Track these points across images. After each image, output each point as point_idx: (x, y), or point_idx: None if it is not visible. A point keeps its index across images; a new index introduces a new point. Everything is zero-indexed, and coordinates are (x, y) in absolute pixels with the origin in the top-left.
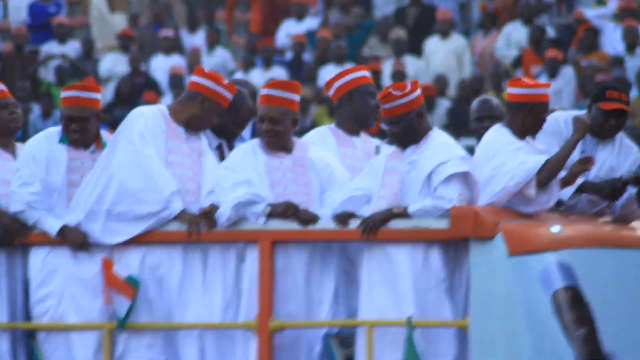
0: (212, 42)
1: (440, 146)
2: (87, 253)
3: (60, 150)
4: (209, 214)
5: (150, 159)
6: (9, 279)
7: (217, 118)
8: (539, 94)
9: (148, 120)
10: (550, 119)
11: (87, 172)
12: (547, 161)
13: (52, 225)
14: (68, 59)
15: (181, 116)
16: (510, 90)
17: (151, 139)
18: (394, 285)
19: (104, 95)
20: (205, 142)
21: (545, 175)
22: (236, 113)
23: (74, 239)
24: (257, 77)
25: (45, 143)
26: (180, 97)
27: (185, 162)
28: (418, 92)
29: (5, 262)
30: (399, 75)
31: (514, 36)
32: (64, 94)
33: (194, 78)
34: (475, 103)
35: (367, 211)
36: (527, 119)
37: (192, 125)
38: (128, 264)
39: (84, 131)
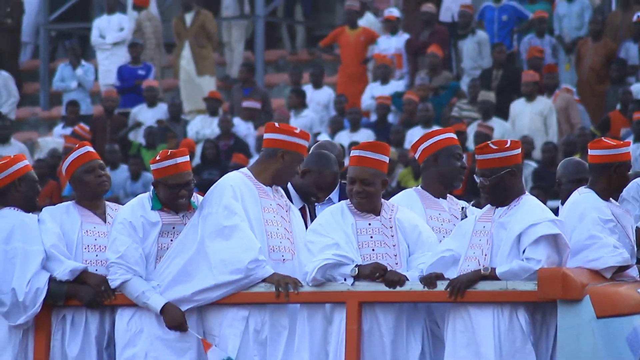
0: (297, 105)
1: (531, 208)
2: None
3: (153, 215)
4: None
5: (234, 230)
6: (97, 341)
7: (299, 171)
8: (622, 153)
9: (236, 187)
10: (633, 183)
11: (177, 235)
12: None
13: (156, 301)
14: (163, 124)
15: (265, 176)
16: (593, 152)
17: (240, 207)
18: (477, 348)
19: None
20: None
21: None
22: (320, 177)
23: (174, 318)
24: (344, 138)
25: (139, 209)
26: (259, 158)
27: (277, 220)
28: (516, 151)
29: (96, 324)
30: (484, 137)
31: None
32: (167, 163)
33: (268, 135)
34: (569, 165)
35: (454, 273)
36: (612, 180)
37: (277, 181)
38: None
39: (191, 195)
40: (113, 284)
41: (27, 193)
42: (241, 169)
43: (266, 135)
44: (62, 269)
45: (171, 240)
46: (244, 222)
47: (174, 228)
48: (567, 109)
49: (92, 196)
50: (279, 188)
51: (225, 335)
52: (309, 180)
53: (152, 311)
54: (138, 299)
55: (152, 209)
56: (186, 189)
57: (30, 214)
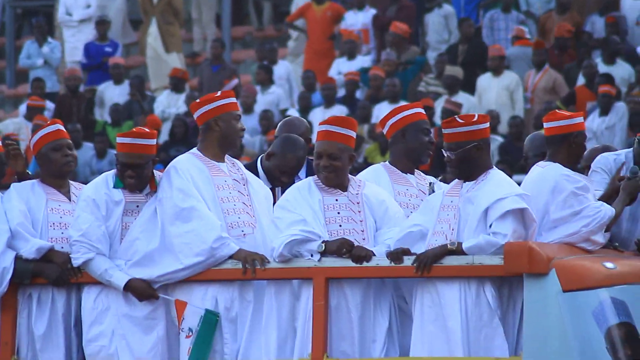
0: (264, 81)
1: (498, 183)
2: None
3: (117, 194)
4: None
5: (192, 211)
6: (64, 318)
7: (242, 130)
8: (578, 123)
9: (183, 169)
10: (601, 157)
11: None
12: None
13: (119, 278)
14: (135, 97)
15: (213, 151)
16: (550, 124)
17: (192, 188)
18: (444, 322)
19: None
20: (246, 171)
21: (611, 226)
22: (283, 161)
23: (142, 291)
24: (319, 114)
25: (103, 187)
26: (200, 137)
27: (234, 196)
28: (483, 126)
29: (63, 301)
30: (451, 114)
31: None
32: (120, 140)
33: (195, 114)
34: (536, 139)
35: (421, 248)
36: (571, 150)
37: (226, 148)
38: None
39: (140, 177)
40: (76, 262)
41: None
42: (191, 150)
43: (195, 115)
44: (28, 247)
45: (135, 218)
46: (200, 202)
47: (137, 207)
48: (555, 85)
49: (57, 174)
50: (235, 161)
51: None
52: (273, 163)
53: (116, 289)
54: (101, 276)
55: (114, 187)
56: (133, 170)
57: None
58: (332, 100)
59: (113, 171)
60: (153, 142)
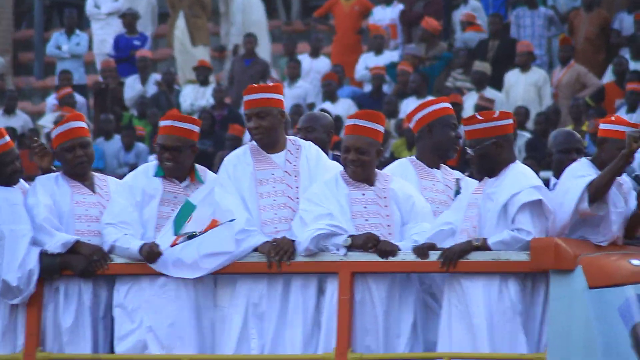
0: (294, 76)
1: (515, 177)
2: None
3: (156, 182)
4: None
5: (225, 207)
6: (92, 311)
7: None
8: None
9: (226, 164)
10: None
11: (178, 204)
12: (598, 176)
13: (135, 244)
14: (162, 86)
15: (262, 141)
16: (604, 126)
17: (232, 185)
18: (470, 320)
19: None
20: (308, 157)
21: (594, 188)
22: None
23: (149, 252)
24: (340, 109)
25: (142, 176)
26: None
27: (278, 190)
28: (504, 122)
29: (90, 294)
30: (484, 109)
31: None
32: (161, 123)
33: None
34: (559, 135)
35: (449, 244)
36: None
37: (268, 143)
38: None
39: (177, 161)
40: (105, 244)
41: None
42: (249, 143)
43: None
44: (54, 242)
45: (172, 209)
46: (231, 195)
47: (175, 197)
48: (579, 78)
49: (72, 173)
50: (300, 148)
51: (233, 305)
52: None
53: (134, 256)
54: (127, 251)
55: (154, 175)
56: (171, 153)
57: (13, 187)
58: (334, 95)
59: (156, 162)
60: (192, 127)
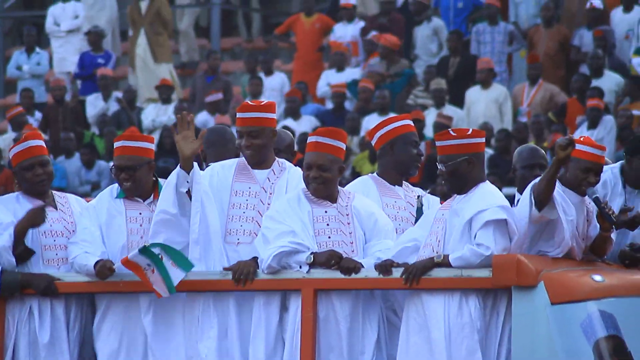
0: (256, 93)
1: (483, 195)
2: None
3: (118, 203)
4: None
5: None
6: (66, 325)
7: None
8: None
9: (205, 174)
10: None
11: (145, 222)
12: (538, 180)
13: (91, 260)
14: (122, 103)
15: (253, 158)
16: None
17: (209, 197)
18: (428, 334)
19: None
20: (289, 180)
21: (536, 192)
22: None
23: (104, 272)
24: (303, 126)
25: (107, 197)
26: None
27: (251, 203)
28: (476, 140)
29: (62, 309)
30: (443, 128)
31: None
32: (115, 144)
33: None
34: (523, 151)
35: (413, 260)
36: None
37: (258, 160)
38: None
39: (134, 180)
40: (69, 265)
41: None
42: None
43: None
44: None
45: (140, 225)
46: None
47: (140, 214)
48: (552, 97)
49: (32, 192)
50: (284, 170)
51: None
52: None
53: (91, 272)
54: (85, 267)
55: (116, 197)
56: (126, 173)
57: None
58: (297, 112)
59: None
60: (146, 145)
